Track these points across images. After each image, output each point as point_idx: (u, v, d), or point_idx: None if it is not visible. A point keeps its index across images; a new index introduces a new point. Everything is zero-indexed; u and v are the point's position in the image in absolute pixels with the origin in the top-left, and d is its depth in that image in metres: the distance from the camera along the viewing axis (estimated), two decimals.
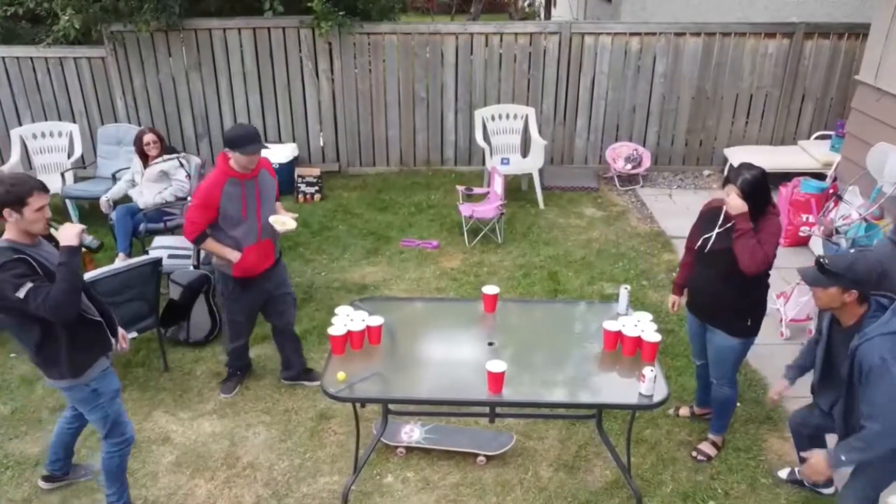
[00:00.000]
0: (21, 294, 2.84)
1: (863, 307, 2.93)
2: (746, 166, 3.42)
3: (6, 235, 2.99)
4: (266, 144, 3.95)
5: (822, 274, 2.87)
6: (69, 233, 2.97)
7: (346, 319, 3.56)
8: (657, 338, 3.40)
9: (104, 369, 3.26)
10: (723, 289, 3.53)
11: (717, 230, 3.52)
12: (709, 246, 3.55)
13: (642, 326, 3.49)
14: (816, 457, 2.98)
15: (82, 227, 3.03)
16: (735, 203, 3.35)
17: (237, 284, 4.12)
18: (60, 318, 2.94)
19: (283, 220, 4.07)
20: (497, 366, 3.17)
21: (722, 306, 3.58)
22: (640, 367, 3.27)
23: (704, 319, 3.73)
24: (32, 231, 3.00)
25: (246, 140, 3.80)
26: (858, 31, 7.39)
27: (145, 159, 5.72)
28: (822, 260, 2.90)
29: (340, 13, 7.29)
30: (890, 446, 2.77)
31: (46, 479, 3.75)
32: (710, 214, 3.62)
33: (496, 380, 3.18)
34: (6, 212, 2.91)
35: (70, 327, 3.05)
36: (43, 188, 2.99)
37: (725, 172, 3.60)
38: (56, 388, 3.28)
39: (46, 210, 3.00)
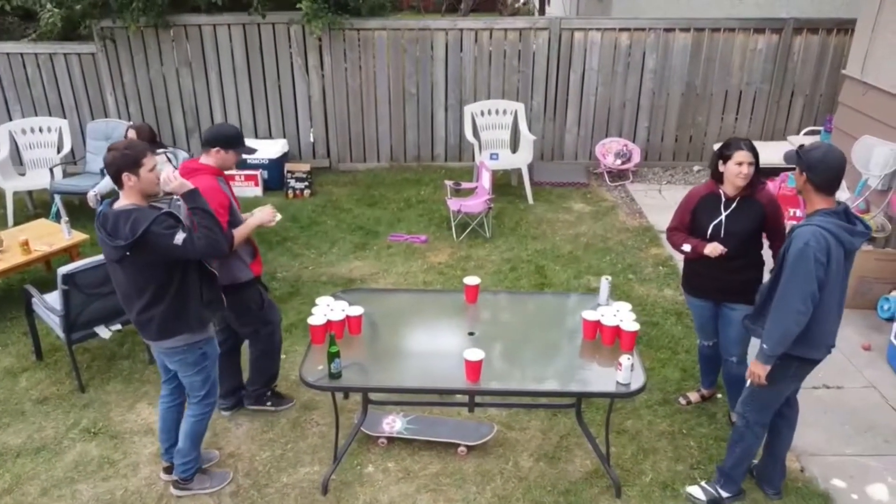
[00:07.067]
0: (179, 241, 2.97)
1: (822, 200, 3.02)
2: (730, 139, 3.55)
3: (127, 202, 3.06)
4: None
5: (795, 154, 3.11)
6: (177, 182, 3.11)
7: (327, 309, 3.58)
8: (635, 327, 3.41)
9: (212, 335, 3.39)
10: (739, 265, 3.60)
11: (725, 213, 3.55)
12: (722, 231, 3.57)
13: (621, 316, 3.50)
14: (752, 363, 3.16)
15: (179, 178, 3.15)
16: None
17: (258, 285, 3.90)
18: (218, 252, 3.15)
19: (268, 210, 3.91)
20: (474, 354, 3.18)
21: (740, 282, 3.60)
22: (619, 356, 3.29)
23: (721, 300, 3.73)
24: (148, 192, 3.10)
25: (240, 139, 3.73)
26: (847, 27, 7.40)
27: None
28: (801, 146, 3.12)
29: (330, 12, 7.29)
30: (783, 327, 2.98)
31: (168, 470, 3.68)
32: (706, 201, 3.63)
33: (474, 368, 3.19)
34: (125, 176, 3.00)
35: (198, 281, 3.20)
36: (152, 149, 3.15)
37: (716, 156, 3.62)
38: (164, 353, 3.32)
39: (157, 170, 3.11)
